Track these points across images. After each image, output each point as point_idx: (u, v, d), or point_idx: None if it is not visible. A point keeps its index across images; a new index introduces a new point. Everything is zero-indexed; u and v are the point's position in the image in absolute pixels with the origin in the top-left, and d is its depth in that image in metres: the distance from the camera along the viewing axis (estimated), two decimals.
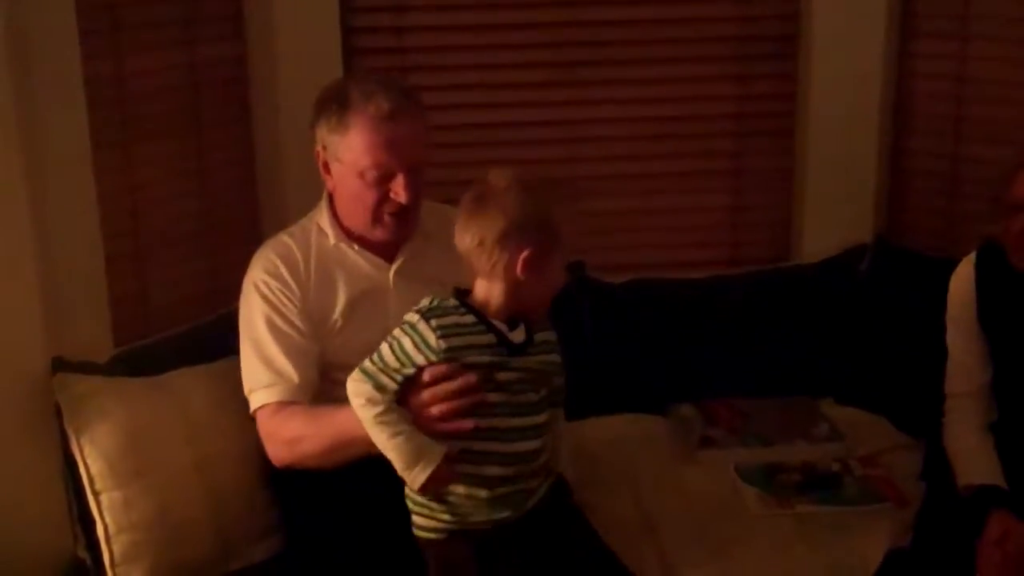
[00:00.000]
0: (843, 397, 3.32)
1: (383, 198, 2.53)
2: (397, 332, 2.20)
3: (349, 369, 2.25)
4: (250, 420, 2.59)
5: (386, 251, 2.63)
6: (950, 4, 3.31)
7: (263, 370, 2.54)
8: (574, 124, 3.47)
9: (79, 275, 2.78)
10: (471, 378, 2.16)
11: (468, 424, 2.16)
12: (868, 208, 3.48)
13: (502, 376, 2.19)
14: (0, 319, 2.60)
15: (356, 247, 2.62)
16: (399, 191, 2.51)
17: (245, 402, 2.61)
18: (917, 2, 3.37)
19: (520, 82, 3.43)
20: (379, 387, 2.18)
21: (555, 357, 2.29)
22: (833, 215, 3.47)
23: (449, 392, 2.15)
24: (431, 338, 2.15)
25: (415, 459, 2.15)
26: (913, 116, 3.44)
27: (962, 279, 2.75)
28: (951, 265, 2.83)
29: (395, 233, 2.58)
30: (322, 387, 2.55)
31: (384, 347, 2.20)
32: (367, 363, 2.20)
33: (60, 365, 2.65)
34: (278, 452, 2.52)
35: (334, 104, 2.54)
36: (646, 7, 3.41)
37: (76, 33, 2.69)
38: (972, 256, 2.75)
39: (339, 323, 2.58)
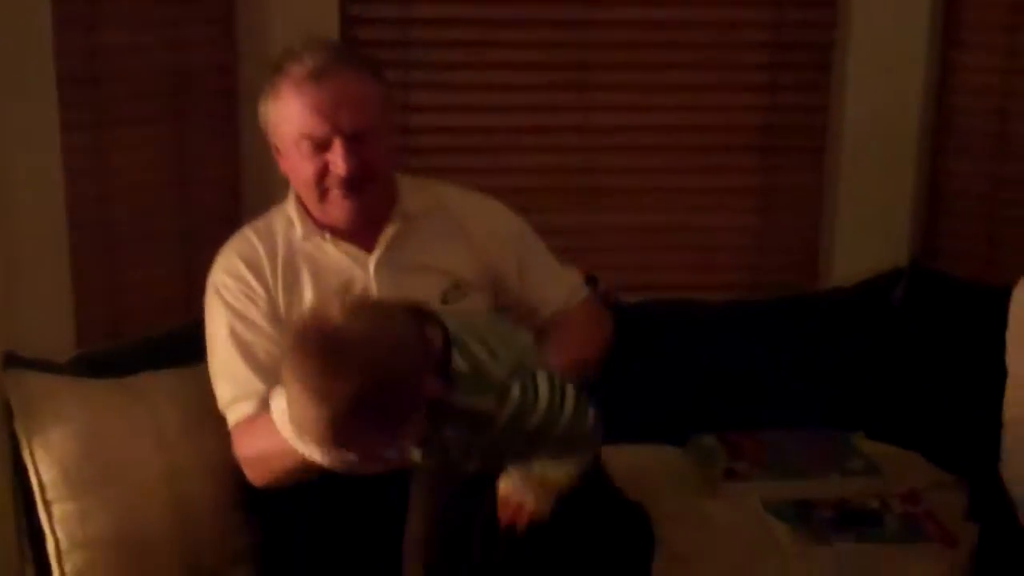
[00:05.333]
0: (874, 432, 3.08)
1: (323, 171, 2.26)
2: None
3: None
4: (227, 431, 2.34)
5: (364, 239, 2.35)
6: (996, 14, 3.14)
7: (229, 385, 2.29)
8: (589, 132, 3.22)
9: (40, 265, 2.52)
10: None
11: None
12: (903, 230, 3.28)
13: None
14: None
15: (328, 236, 2.35)
16: (336, 160, 2.24)
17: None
18: (961, 12, 3.18)
19: (530, 84, 3.19)
20: None
21: None
22: (866, 237, 3.26)
23: None
24: None
25: None
26: (953, 133, 3.24)
27: None
28: (991, 292, 2.63)
29: (349, 212, 2.30)
30: None
31: None
32: None
33: (13, 361, 2.41)
34: (251, 474, 2.26)
35: (271, 73, 2.31)
36: (671, 8, 3.19)
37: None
38: None
39: None
